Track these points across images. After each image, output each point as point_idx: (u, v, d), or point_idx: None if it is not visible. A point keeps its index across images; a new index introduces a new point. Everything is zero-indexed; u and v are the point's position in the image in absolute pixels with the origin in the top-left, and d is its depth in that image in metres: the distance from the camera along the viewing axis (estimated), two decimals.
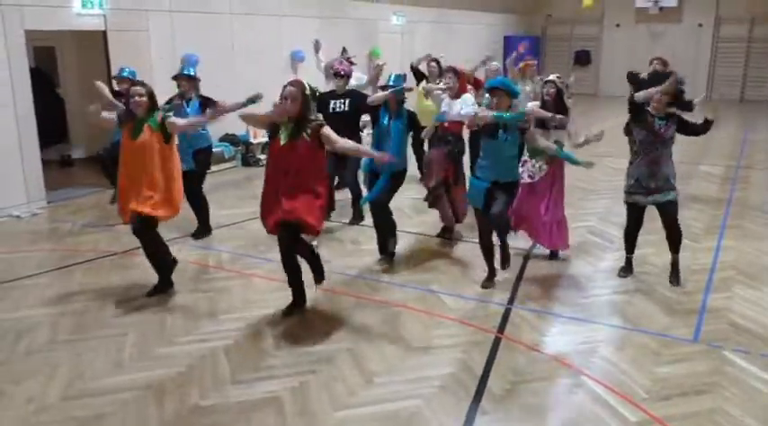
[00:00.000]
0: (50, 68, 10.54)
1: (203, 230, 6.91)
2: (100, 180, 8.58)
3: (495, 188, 5.27)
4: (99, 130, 9.64)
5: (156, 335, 4.70)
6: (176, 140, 5.31)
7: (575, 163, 5.48)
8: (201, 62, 8.72)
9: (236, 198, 8.61)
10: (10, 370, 4.21)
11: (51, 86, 10.46)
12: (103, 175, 8.07)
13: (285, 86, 4.68)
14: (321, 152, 4.70)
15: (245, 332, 4.75)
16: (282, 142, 4.63)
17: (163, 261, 5.38)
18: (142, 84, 5.23)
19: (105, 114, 5.45)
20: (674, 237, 5.56)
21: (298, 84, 4.67)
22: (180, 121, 5.31)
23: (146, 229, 5.15)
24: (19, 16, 7.60)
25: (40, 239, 6.94)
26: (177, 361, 4.32)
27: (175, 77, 6.88)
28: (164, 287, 5.42)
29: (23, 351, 4.47)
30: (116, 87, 7.35)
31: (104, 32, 8.66)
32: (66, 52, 10.45)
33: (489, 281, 5.60)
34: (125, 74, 7.40)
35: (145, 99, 5.04)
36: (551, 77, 5.97)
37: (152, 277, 5.68)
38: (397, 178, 6.00)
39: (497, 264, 5.56)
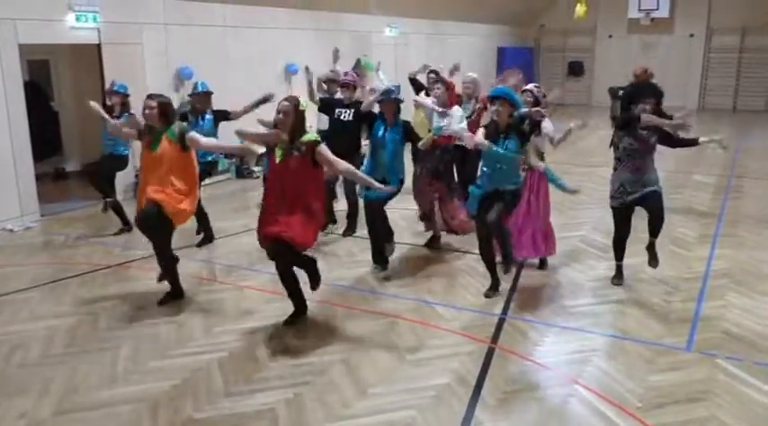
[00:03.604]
0: (45, 81, 10.55)
1: (207, 237, 7.02)
2: (94, 193, 8.56)
3: (494, 196, 5.29)
4: (93, 143, 9.70)
5: (150, 348, 4.69)
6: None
7: (561, 187, 5.60)
8: (195, 75, 8.76)
9: (230, 210, 8.61)
10: (3, 385, 4.19)
11: (45, 99, 10.47)
12: (95, 188, 7.83)
13: (281, 102, 4.74)
14: (317, 169, 4.71)
15: (239, 344, 4.75)
16: (278, 160, 4.67)
17: (168, 261, 5.40)
18: (157, 96, 5.23)
19: (126, 130, 5.55)
20: (655, 223, 5.48)
21: (291, 99, 4.73)
22: (203, 140, 5.30)
23: (159, 218, 5.13)
24: (13, 29, 7.62)
25: (34, 252, 6.92)
26: (171, 374, 4.31)
27: (191, 95, 7.02)
28: (175, 294, 5.46)
29: (16, 366, 4.45)
30: (108, 102, 7.36)
31: (98, 46, 8.68)
32: (60, 65, 10.47)
33: (492, 291, 5.61)
34: (116, 88, 7.42)
35: (155, 111, 5.08)
36: (529, 86, 6.03)
37: (146, 289, 5.70)
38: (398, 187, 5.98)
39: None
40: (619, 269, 5.85)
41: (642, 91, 5.52)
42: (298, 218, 4.64)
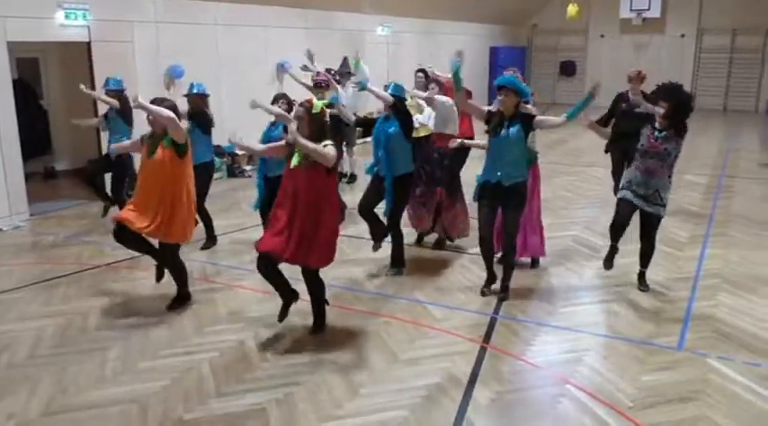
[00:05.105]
0: (34, 80, 10.47)
1: (209, 241, 6.92)
2: (83, 192, 8.51)
3: (499, 195, 5.27)
4: (83, 142, 9.63)
5: (140, 349, 4.66)
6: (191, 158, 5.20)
7: (586, 102, 5.06)
8: (187, 73, 8.71)
9: (221, 209, 8.55)
10: None
11: (35, 98, 10.40)
12: (91, 190, 7.70)
13: (296, 107, 4.73)
14: (329, 175, 4.59)
15: (230, 344, 4.72)
16: (293, 164, 4.57)
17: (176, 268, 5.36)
18: (160, 100, 5.09)
19: (128, 143, 5.43)
20: (645, 251, 5.67)
21: (306, 103, 4.62)
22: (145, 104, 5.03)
23: (126, 236, 5.08)
24: (2, 27, 7.55)
25: (23, 252, 6.87)
26: (161, 375, 4.28)
27: (187, 96, 6.72)
28: (181, 299, 5.40)
29: (5, 366, 4.41)
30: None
31: (88, 43, 8.63)
32: (49, 63, 10.40)
33: (488, 287, 5.61)
34: (111, 86, 7.35)
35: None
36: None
37: (136, 289, 5.67)
38: (401, 184, 5.84)
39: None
40: (612, 249, 5.62)
41: (658, 92, 5.50)
42: (308, 237, 4.51)
